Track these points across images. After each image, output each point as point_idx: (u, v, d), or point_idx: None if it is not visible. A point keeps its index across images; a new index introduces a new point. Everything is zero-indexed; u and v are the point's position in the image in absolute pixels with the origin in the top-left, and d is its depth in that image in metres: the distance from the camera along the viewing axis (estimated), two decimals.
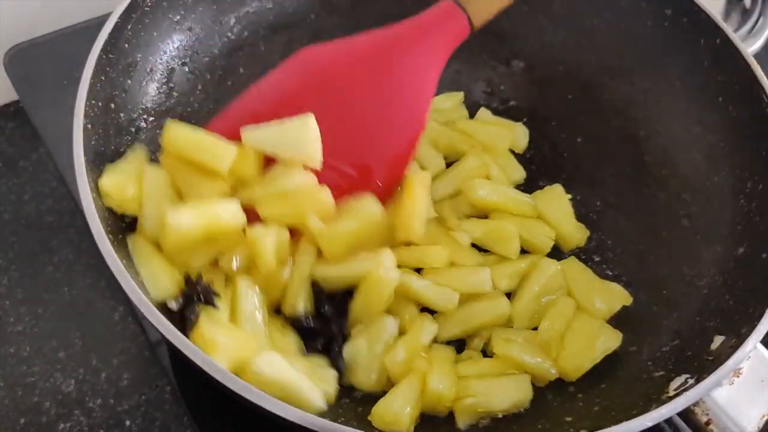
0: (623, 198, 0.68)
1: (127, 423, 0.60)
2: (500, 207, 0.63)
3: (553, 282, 0.60)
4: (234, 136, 0.55)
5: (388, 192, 0.59)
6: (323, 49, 0.60)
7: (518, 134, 0.71)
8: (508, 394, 0.53)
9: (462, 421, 0.53)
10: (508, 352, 0.56)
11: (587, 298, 0.59)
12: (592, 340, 0.56)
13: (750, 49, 0.79)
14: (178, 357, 0.60)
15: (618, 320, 0.60)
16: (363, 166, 0.57)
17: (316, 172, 0.55)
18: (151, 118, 0.63)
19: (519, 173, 0.69)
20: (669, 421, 0.51)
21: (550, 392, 0.56)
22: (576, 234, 0.65)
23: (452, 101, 0.74)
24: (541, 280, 0.60)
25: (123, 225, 0.54)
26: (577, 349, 0.56)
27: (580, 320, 0.58)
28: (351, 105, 0.58)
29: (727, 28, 0.64)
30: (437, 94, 0.72)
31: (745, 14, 0.85)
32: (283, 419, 0.43)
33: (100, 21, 0.59)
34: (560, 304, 0.59)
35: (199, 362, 0.44)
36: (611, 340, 0.56)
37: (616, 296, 0.60)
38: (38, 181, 0.73)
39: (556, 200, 0.65)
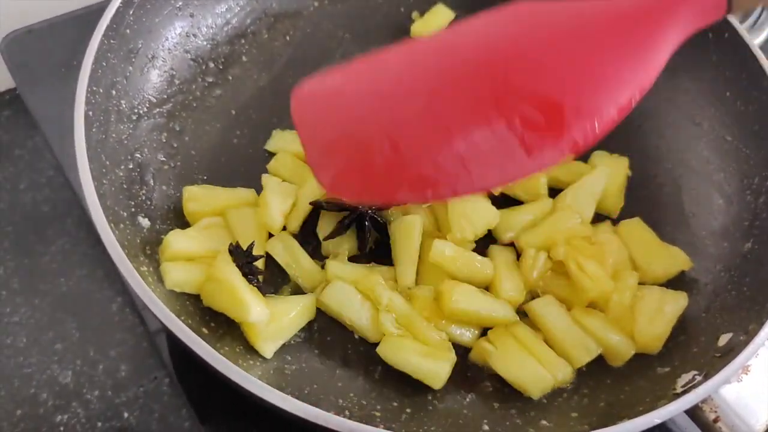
0: (627, 192, 0.67)
1: (125, 415, 0.59)
2: None
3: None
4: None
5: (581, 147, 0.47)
6: (542, 6, 0.51)
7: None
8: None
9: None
10: (593, 328, 0.55)
11: (647, 260, 0.59)
12: (661, 306, 0.55)
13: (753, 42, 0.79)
14: (177, 348, 0.60)
15: None
16: (553, 105, 0.46)
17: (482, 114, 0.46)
18: (153, 105, 0.63)
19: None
20: (676, 418, 0.51)
21: (559, 387, 0.55)
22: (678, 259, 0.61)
23: None
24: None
25: (124, 215, 0.53)
26: (649, 319, 0.55)
27: (641, 290, 0.57)
28: (566, 51, 0.48)
29: (736, 22, 0.63)
30: None
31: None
32: (283, 410, 0.43)
33: (99, 8, 0.58)
34: (623, 277, 0.58)
35: (202, 354, 0.43)
36: (679, 301, 0.56)
37: (676, 260, 0.59)
38: (34, 170, 0.72)
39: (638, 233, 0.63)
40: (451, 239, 0.59)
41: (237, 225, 0.59)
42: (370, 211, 0.60)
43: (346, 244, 0.61)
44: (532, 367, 0.53)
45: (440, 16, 0.76)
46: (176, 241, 0.55)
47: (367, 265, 0.60)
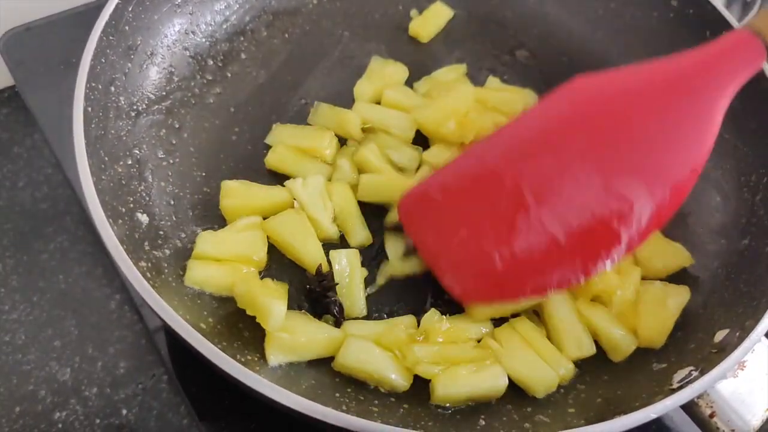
0: None
1: (124, 412, 0.59)
2: None
3: None
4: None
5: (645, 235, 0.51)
6: (594, 81, 0.55)
7: (528, 100, 0.70)
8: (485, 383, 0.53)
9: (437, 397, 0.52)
10: (596, 321, 0.55)
11: (647, 255, 0.59)
12: (663, 300, 0.56)
13: None
14: (175, 345, 0.60)
15: None
16: (621, 209, 0.50)
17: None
18: (152, 102, 0.63)
19: None
20: (672, 413, 0.51)
21: None
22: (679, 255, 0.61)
23: (455, 73, 0.73)
24: None
25: (123, 210, 0.54)
26: (653, 313, 0.55)
27: (644, 285, 0.57)
28: (617, 140, 0.52)
29: (733, 20, 0.64)
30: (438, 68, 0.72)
31: (746, 7, 0.85)
32: (281, 405, 0.43)
33: (98, 5, 0.58)
34: (627, 272, 0.58)
35: (203, 350, 0.43)
36: (681, 294, 0.56)
37: (677, 256, 0.59)
38: (33, 168, 0.72)
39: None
40: None
41: (280, 234, 0.58)
42: None
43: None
44: (538, 366, 0.53)
45: (439, 14, 0.76)
46: (207, 242, 0.56)
47: (385, 320, 0.57)
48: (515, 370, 0.54)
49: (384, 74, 0.71)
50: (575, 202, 0.51)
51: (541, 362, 0.54)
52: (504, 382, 0.52)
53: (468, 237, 0.54)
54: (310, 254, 0.58)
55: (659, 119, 0.51)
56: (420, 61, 0.73)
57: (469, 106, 0.66)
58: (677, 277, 0.60)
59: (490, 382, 0.52)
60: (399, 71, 0.72)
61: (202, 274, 0.55)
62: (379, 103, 0.69)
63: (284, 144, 0.65)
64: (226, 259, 0.56)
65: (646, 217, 0.50)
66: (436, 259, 0.56)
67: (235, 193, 0.60)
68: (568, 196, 0.51)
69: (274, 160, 0.65)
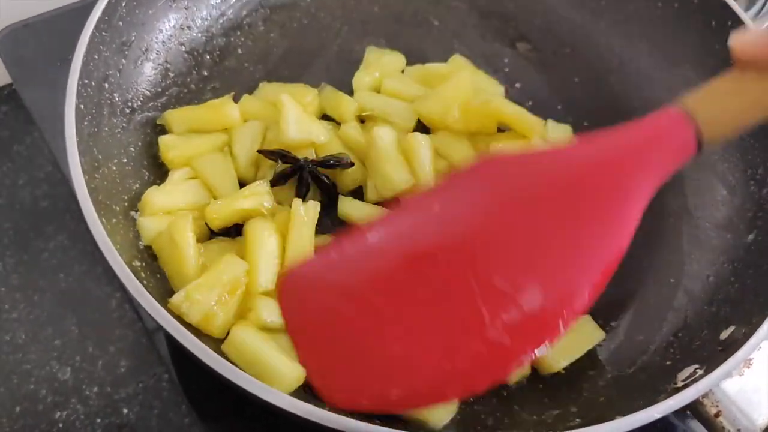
0: None
1: (125, 411, 0.59)
2: None
3: None
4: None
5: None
6: (507, 161, 0.51)
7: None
8: None
9: None
10: None
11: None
12: (574, 337, 0.54)
13: (762, 27, 0.77)
14: (175, 345, 0.60)
15: (624, 308, 0.59)
16: (537, 305, 0.45)
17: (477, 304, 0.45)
18: (147, 99, 0.62)
19: None
20: (677, 413, 0.50)
21: (556, 382, 0.55)
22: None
23: (452, 65, 0.71)
24: None
25: (116, 209, 0.53)
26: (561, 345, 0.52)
27: None
28: (534, 227, 0.47)
29: (739, 9, 0.62)
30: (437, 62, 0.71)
31: None
32: (274, 406, 0.42)
33: (95, 1, 0.57)
34: None
35: (197, 352, 0.43)
36: (593, 336, 0.56)
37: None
38: (33, 166, 0.72)
39: None
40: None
41: (208, 174, 0.59)
42: (310, 166, 0.60)
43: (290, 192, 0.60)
44: None
45: None
46: (155, 197, 0.55)
47: None
48: None
49: (381, 63, 0.70)
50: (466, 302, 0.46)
51: None
52: None
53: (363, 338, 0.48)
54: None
55: (565, 216, 0.46)
56: (419, 54, 0.72)
57: (469, 93, 0.65)
58: (687, 273, 0.59)
59: None
60: (396, 60, 0.71)
61: (154, 229, 0.54)
62: (378, 93, 0.69)
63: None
64: (176, 210, 0.56)
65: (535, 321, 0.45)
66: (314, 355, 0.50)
67: (174, 145, 0.60)
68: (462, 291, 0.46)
69: (245, 106, 0.64)
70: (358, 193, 0.63)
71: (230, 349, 0.48)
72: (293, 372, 0.48)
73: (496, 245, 0.47)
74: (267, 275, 0.53)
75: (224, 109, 0.62)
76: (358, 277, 0.50)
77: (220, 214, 0.56)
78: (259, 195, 0.57)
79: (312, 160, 0.61)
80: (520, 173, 0.50)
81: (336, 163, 0.61)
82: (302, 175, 0.60)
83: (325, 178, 0.61)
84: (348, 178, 0.63)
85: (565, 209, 0.47)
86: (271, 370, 0.47)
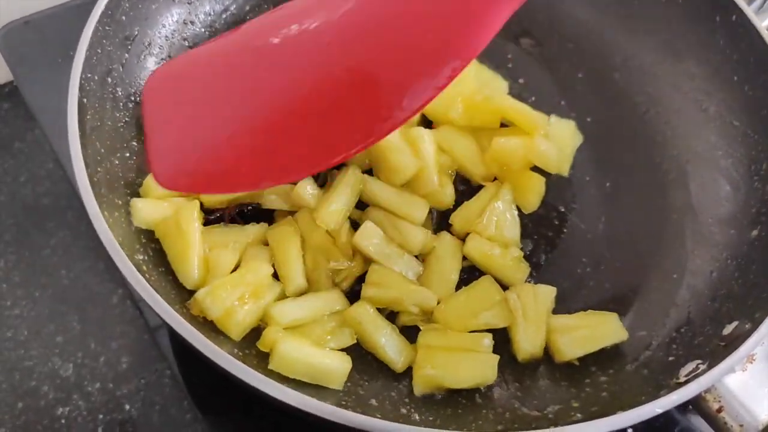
0: (633, 179, 0.66)
1: (127, 407, 0.59)
2: None
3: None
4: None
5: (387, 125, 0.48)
6: None
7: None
8: (471, 372, 0.52)
9: (418, 389, 0.52)
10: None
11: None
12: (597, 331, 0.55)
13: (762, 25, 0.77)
14: (177, 340, 0.60)
15: (627, 304, 0.58)
16: (371, 77, 0.48)
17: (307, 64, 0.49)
18: None
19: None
20: (679, 408, 0.50)
21: (560, 376, 0.55)
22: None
23: None
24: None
25: (119, 203, 0.53)
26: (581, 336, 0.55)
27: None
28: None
29: (744, 4, 0.62)
30: None
31: None
32: (282, 402, 0.42)
33: None
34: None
35: (199, 346, 0.43)
36: (616, 335, 0.56)
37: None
38: (34, 163, 0.72)
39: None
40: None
41: None
42: None
43: None
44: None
45: None
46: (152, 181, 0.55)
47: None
48: None
49: None
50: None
51: None
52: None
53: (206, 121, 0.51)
54: None
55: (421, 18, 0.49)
56: None
57: (472, 87, 0.65)
58: (690, 268, 0.58)
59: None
60: None
61: (148, 214, 0.54)
62: None
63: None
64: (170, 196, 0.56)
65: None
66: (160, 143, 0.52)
67: None
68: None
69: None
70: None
71: (280, 366, 0.49)
72: (343, 364, 0.51)
73: (357, 40, 0.49)
74: (297, 282, 0.55)
75: None
76: (219, 72, 0.53)
77: (218, 198, 0.57)
78: None
79: None
80: None
81: None
82: None
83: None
84: (358, 159, 0.62)
85: (424, 11, 0.49)
86: (323, 370, 0.50)
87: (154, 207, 0.55)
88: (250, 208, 0.60)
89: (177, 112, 0.53)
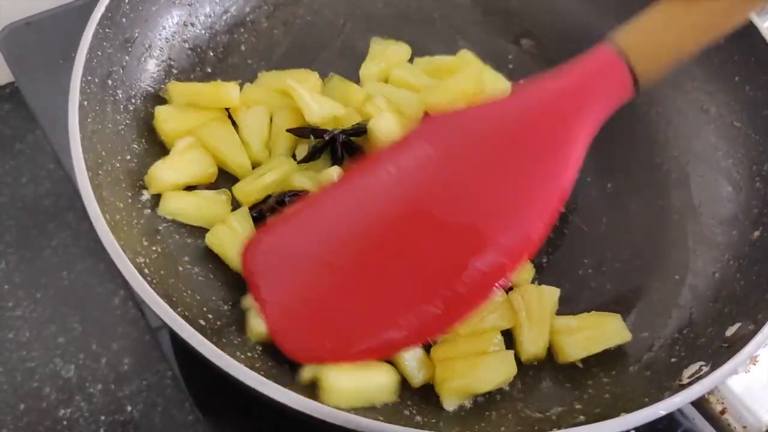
0: (634, 180, 0.66)
1: (128, 408, 0.59)
2: None
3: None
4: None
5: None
6: (453, 116, 0.52)
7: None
8: (493, 372, 0.52)
9: (448, 403, 0.51)
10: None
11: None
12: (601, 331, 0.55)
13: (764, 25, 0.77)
14: (179, 342, 0.60)
15: (629, 305, 0.58)
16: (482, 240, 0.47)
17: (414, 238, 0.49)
18: (151, 96, 0.62)
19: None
20: (682, 410, 0.50)
21: (562, 378, 0.55)
22: None
23: (460, 59, 0.71)
24: None
25: (120, 206, 0.53)
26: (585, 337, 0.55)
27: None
28: (483, 176, 0.49)
29: None
30: None
31: None
32: (284, 405, 0.42)
33: None
34: None
35: (201, 349, 0.43)
36: (620, 336, 0.56)
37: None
38: (35, 164, 0.72)
39: None
40: None
41: (214, 141, 0.60)
42: (342, 136, 0.61)
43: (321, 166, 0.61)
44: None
45: None
46: (161, 171, 0.56)
47: None
48: None
49: (387, 54, 0.70)
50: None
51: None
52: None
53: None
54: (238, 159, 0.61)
55: (510, 163, 0.48)
56: (422, 51, 0.72)
57: (477, 86, 0.65)
58: (692, 270, 0.58)
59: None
60: (402, 50, 0.71)
61: (176, 205, 0.56)
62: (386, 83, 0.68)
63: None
64: (185, 183, 0.58)
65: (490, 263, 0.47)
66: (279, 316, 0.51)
67: (171, 116, 0.61)
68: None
69: (246, 93, 0.64)
70: None
71: (331, 399, 0.46)
72: (390, 375, 0.50)
73: (449, 197, 0.49)
74: None
75: (225, 87, 0.62)
76: (319, 241, 0.52)
77: (250, 191, 0.59)
78: (281, 165, 0.60)
79: (343, 130, 0.61)
80: (465, 126, 0.51)
81: (365, 129, 0.61)
82: (335, 147, 0.61)
83: (357, 147, 0.61)
84: (371, 146, 0.62)
85: (509, 157, 0.49)
86: (376, 389, 0.49)
87: (179, 199, 0.57)
88: (288, 198, 0.58)
89: (291, 282, 0.52)
